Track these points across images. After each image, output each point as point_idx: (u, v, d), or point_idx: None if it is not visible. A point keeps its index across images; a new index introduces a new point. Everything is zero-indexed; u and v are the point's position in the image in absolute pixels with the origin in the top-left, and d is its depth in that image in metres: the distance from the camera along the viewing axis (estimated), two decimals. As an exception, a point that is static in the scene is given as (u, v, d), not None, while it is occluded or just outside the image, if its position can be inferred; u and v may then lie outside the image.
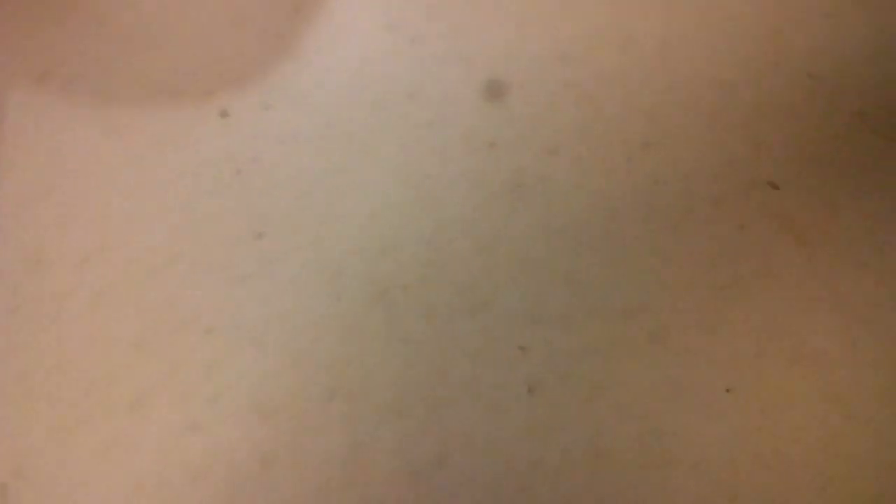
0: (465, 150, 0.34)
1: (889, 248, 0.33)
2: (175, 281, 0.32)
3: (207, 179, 0.34)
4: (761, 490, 0.30)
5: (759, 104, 0.34)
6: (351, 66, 0.35)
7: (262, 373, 0.31)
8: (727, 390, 0.31)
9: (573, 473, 0.30)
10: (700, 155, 0.34)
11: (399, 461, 0.31)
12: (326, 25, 0.36)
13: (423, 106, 0.34)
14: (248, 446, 0.31)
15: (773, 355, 0.31)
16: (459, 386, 0.31)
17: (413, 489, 0.30)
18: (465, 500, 0.30)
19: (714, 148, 0.34)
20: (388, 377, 0.31)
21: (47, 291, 0.33)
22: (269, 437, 0.31)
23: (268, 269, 0.32)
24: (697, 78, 0.35)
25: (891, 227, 0.33)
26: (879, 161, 0.33)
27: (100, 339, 0.32)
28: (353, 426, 0.31)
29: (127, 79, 0.35)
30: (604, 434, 0.31)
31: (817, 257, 0.33)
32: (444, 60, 0.35)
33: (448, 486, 0.30)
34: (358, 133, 0.34)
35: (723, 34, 0.35)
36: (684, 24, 0.35)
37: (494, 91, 0.35)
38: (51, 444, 0.30)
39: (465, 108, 0.34)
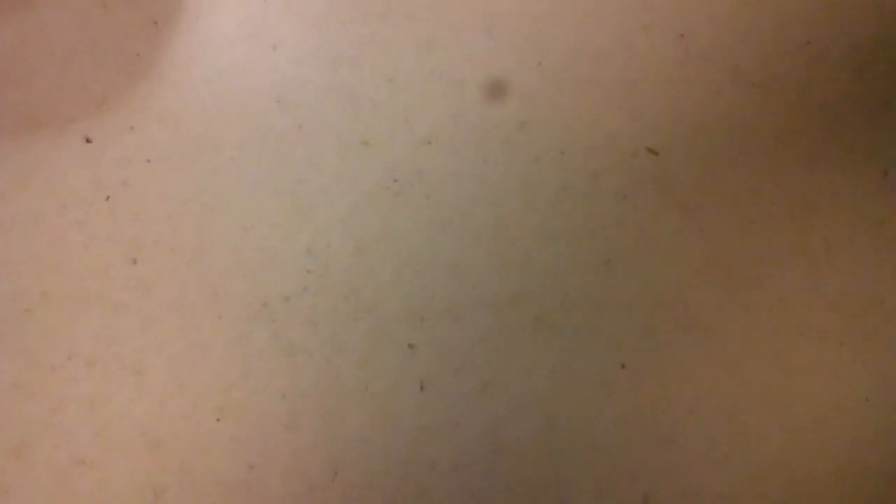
0: (337, 151, 0.35)
1: (775, 204, 0.33)
2: (50, 316, 0.33)
3: (75, 208, 0.34)
4: (661, 466, 0.31)
5: (632, 70, 0.35)
6: (214, 79, 0.36)
7: (147, 401, 0.32)
8: (622, 366, 0.32)
9: (471, 470, 0.31)
10: (577, 128, 0.34)
11: (294, 477, 0.31)
12: (186, 40, 0.37)
13: (290, 111, 0.35)
14: (139, 478, 0.32)
15: (665, 327, 0.32)
16: (350, 392, 0.32)
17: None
18: (362, 507, 0.31)
19: (590, 120, 0.35)
20: (277, 392, 0.32)
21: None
22: (160, 467, 0.32)
23: (144, 295, 0.33)
24: (567, 50, 0.35)
25: (776, 183, 0.34)
26: (758, 115, 0.34)
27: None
28: (245, 446, 0.32)
29: (-18, 115, 0.35)
30: (500, 426, 0.32)
31: (703, 222, 0.33)
32: (308, 63, 0.36)
33: (345, 496, 0.31)
34: (226, 145, 0.35)
35: (589, 4, 0.36)
36: (548, -2, 0.36)
37: (361, 88, 0.35)
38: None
39: (334, 108, 0.35)
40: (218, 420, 0.32)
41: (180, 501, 0.32)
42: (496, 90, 0.36)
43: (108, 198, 0.35)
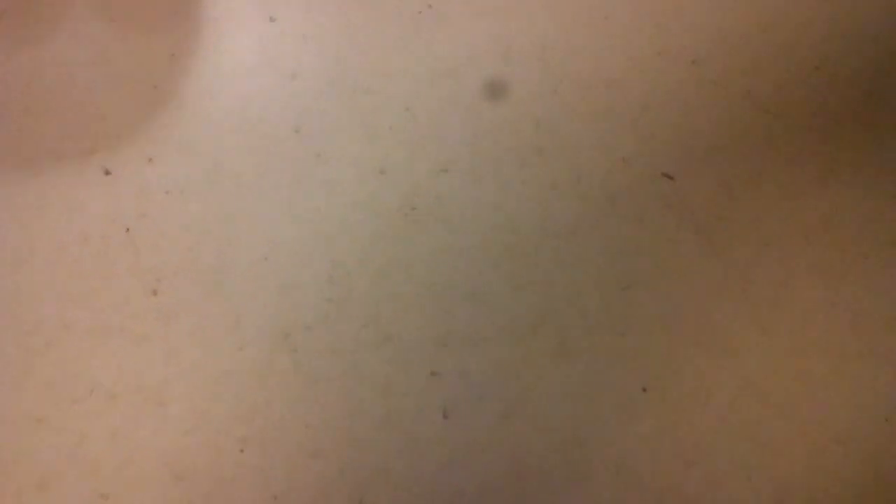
0: (354, 179, 0.35)
1: (789, 225, 0.34)
2: (71, 350, 0.33)
3: (95, 241, 0.35)
4: (686, 486, 0.32)
5: (647, 97, 0.36)
6: (233, 108, 0.37)
7: (170, 433, 0.33)
8: (643, 389, 0.33)
9: (498, 497, 0.32)
10: (593, 154, 0.35)
11: (319, 505, 0.32)
12: (204, 70, 0.38)
13: (308, 139, 0.36)
14: (164, 510, 0.32)
15: (685, 348, 0.33)
16: (374, 421, 0.33)
17: (336, 531, 0.31)
18: (389, 535, 0.31)
19: (607, 146, 0.35)
20: (300, 421, 0.33)
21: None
22: (184, 499, 0.32)
23: (165, 326, 0.34)
24: (582, 79, 0.36)
25: (789, 204, 0.35)
26: (770, 138, 0.35)
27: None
28: (269, 476, 0.32)
29: (4, 148, 0.36)
30: (523, 451, 0.32)
31: (719, 243, 0.34)
32: (325, 92, 0.37)
33: (371, 523, 0.32)
34: (245, 174, 0.35)
35: (603, 33, 0.37)
36: (563, 27, 0.37)
37: (379, 117, 0.36)
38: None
39: (352, 136, 0.36)
40: (241, 451, 0.33)
41: (206, 532, 0.32)
42: (513, 117, 0.37)
43: (127, 229, 0.36)
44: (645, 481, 0.33)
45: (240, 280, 0.35)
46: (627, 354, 0.34)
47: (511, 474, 0.33)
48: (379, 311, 0.35)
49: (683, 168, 0.36)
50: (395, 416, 0.34)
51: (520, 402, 0.34)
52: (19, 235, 0.36)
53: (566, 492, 0.33)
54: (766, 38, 0.37)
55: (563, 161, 0.36)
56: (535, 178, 0.36)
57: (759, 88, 0.37)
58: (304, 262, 0.35)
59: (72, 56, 0.37)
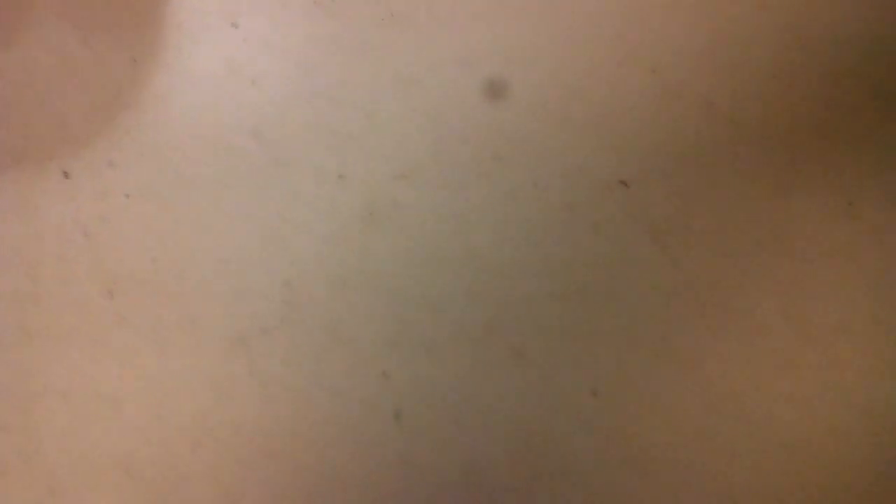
0: (314, 184, 0.36)
1: (745, 234, 0.35)
2: (27, 351, 0.34)
3: (53, 244, 0.36)
4: (634, 493, 0.32)
5: (606, 105, 0.37)
6: (193, 114, 0.38)
7: (123, 432, 0.33)
8: (593, 394, 0.33)
9: (447, 498, 0.32)
10: (551, 162, 0.36)
11: (269, 507, 0.32)
12: (165, 74, 0.38)
13: (268, 145, 0.37)
14: (114, 510, 0.32)
15: (638, 355, 0.34)
16: (326, 422, 0.33)
17: (285, 533, 0.32)
18: (338, 538, 0.32)
19: (565, 153, 0.36)
20: (254, 422, 0.33)
21: None
22: (136, 497, 0.33)
23: (121, 329, 0.34)
24: (541, 85, 0.37)
25: (745, 213, 0.35)
26: (728, 147, 0.36)
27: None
28: (221, 476, 0.33)
29: (-38, 150, 0.37)
30: (474, 453, 0.33)
31: (676, 252, 0.35)
32: (286, 99, 0.38)
33: (321, 526, 0.32)
34: (204, 179, 0.36)
35: (562, 41, 0.38)
36: (523, 37, 0.38)
37: (340, 123, 0.37)
38: None
39: (311, 143, 0.37)
40: (193, 451, 0.34)
41: (156, 533, 0.33)
42: (472, 125, 0.38)
43: (85, 233, 0.36)
44: (592, 486, 0.33)
45: (197, 283, 0.36)
46: (579, 360, 0.35)
47: (461, 476, 0.33)
48: (335, 316, 0.36)
49: (641, 176, 0.37)
50: (348, 418, 0.34)
51: (471, 406, 0.34)
52: (-23, 236, 0.36)
53: (514, 495, 0.33)
54: (725, 47, 0.38)
55: (520, 169, 0.37)
56: (493, 186, 0.37)
57: (718, 98, 0.38)
58: (263, 265, 0.36)
59: (33, 60, 0.38)
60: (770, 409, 0.34)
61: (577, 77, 0.38)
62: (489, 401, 0.34)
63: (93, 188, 0.37)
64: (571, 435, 0.34)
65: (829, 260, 0.36)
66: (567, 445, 0.34)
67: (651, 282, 0.36)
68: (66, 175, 0.37)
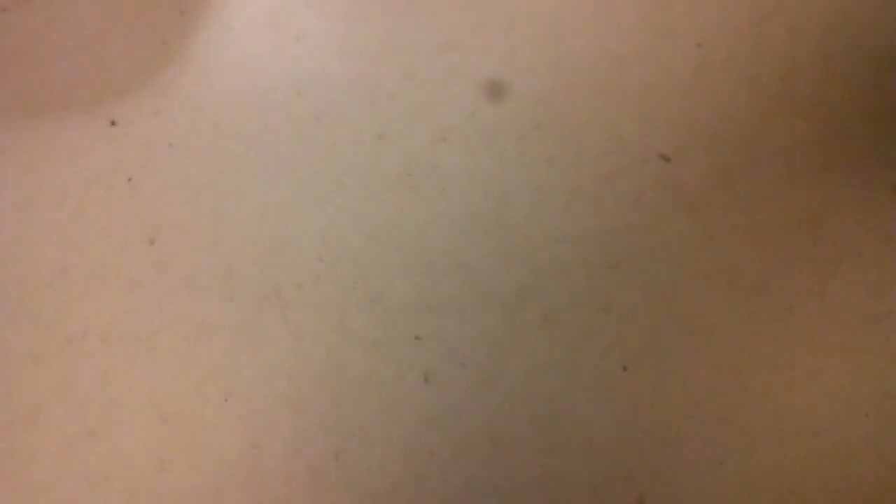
0: (353, 143, 0.36)
1: (784, 214, 0.34)
2: (68, 292, 0.34)
3: (98, 189, 0.36)
4: (657, 468, 0.32)
5: (649, 77, 0.36)
6: (237, 66, 0.37)
7: (157, 377, 0.34)
8: (624, 368, 0.33)
9: (469, 462, 0.32)
10: (591, 132, 0.36)
11: (296, 458, 0.33)
12: (212, 27, 0.38)
13: (310, 101, 0.37)
14: (146, 451, 0.33)
15: (669, 330, 0.33)
16: (356, 379, 0.33)
17: (310, 485, 0.32)
18: (361, 493, 0.32)
19: (605, 124, 0.36)
20: (284, 375, 0.33)
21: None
22: (167, 441, 0.33)
23: (160, 275, 0.34)
24: (586, 54, 0.36)
25: (786, 193, 0.35)
26: (771, 125, 0.35)
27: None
28: (250, 425, 0.33)
29: (11, 94, 0.37)
30: (499, 420, 0.33)
31: (712, 228, 0.34)
32: (329, 56, 0.37)
33: (345, 480, 0.32)
34: (246, 132, 0.36)
35: (611, 8, 0.37)
36: (569, 3, 0.37)
37: (381, 83, 0.37)
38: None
39: (353, 101, 0.36)
40: (226, 400, 0.34)
41: (185, 476, 0.33)
42: (514, 91, 0.37)
43: (129, 179, 0.36)
44: (616, 459, 0.33)
45: (235, 234, 0.36)
46: (610, 332, 0.34)
47: (485, 442, 0.33)
48: (368, 274, 0.35)
49: (681, 151, 0.36)
50: (377, 377, 0.34)
51: (499, 372, 0.34)
52: (24, 180, 0.37)
53: (537, 463, 0.33)
54: (774, 25, 0.37)
55: (560, 137, 0.36)
56: (531, 153, 0.36)
57: (763, 75, 0.37)
58: (299, 221, 0.36)
59: (83, 8, 0.38)
60: (796, 391, 0.34)
61: (622, 47, 0.37)
62: (518, 368, 0.34)
63: (138, 136, 0.37)
64: (599, 408, 0.33)
65: (866, 244, 0.35)
66: (593, 418, 0.33)
67: (685, 257, 0.35)
68: (112, 123, 0.37)
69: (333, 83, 0.37)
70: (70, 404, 0.34)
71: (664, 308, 0.35)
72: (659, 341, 0.34)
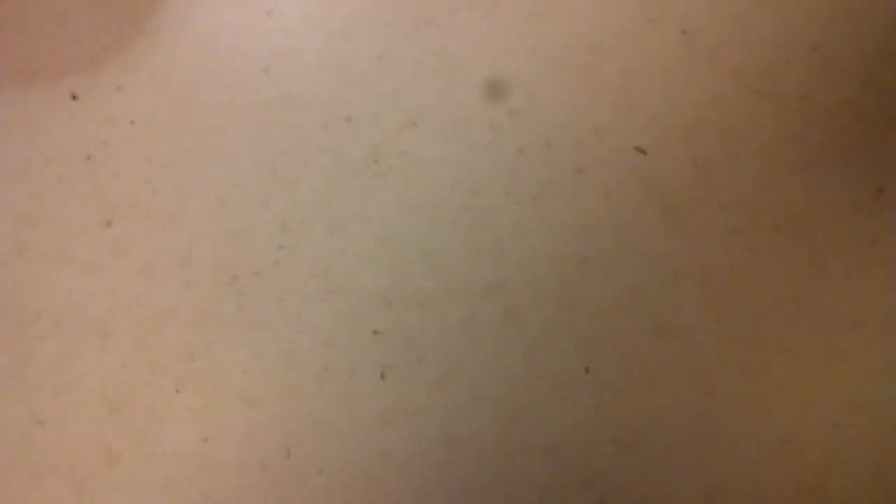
0: (320, 125, 0.34)
1: (762, 215, 0.32)
2: (21, 272, 0.33)
3: (57, 166, 0.34)
4: (618, 474, 0.30)
5: (630, 65, 0.34)
6: (205, 42, 0.35)
7: (110, 364, 0.32)
8: (586, 370, 0.31)
9: (424, 462, 0.31)
10: (566, 121, 0.33)
11: (247, 453, 0.31)
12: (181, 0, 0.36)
13: (278, 79, 0.34)
14: (96, 440, 0.31)
15: (635, 331, 0.31)
16: (311, 373, 0.32)
17: (261, 480, 0.30)
18: (311, 490, 0.30)
19: (581, 113, 0.33)
20: (239, 366, 0.32)
21: None
22: (117, 431, 0.31)
23: (116, 258, 0.33)
24: (565, 39, 0.34)
25: (766, 192, 0.32)
26: (754, 120, 0.33)
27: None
28: (202, 418, 0.31)
29: (-30, 64, 0.35)
30: (457, 419, 0.31)
31: (685, 225, 0.32)
32: (301, 33, 0.35)
33: (297, 476, 0.30)
34: (211, 111, 0.34)
35: (591, -9, 0.34)
36: (548, -17, 0.34)
37: (352, 63, 0.34)
38: None
39: (322, 81, 0.34)
40: (177, 391, 0.32)
41: (134, 467, 0.32)
42: (488, 75, 0.35)
43: (88, 157, 0.34)
44: (576, 463, 0.31)
45: (194, 218, 0.34)
46: (574, 331, 0.32)
47: (440, 442, 0.32)
48: (329, 263, 0.33)
49: (658, 143, 0.33)
50: (333, 371, 0.32)
51: (458, 369, 0.32)
52: (-20, 154, 0.35)
53: (495, 465, 0.31)
54: (762, 14, 0.34)
55: (533, 125, 0.34)
56: (503, 141, 0.34)
57: (749, 66, 0.34)
58: (261, 205, 0.34)
59: (47, -25, 0.36)
60: (767, 399, 0.32)
61: (603, 32, 0.35)
62: (477, 366, 0.32)
63: (99, 112, 0.35)
64: (559, 409, 0.31)
65: (849, 248, 0.32)
66: (554, 419, 0.31)
67: (656, 255, 0.33)
68: (73, 97, 0.35)
69: (303, 62, 0.35)
70: (19, 389, 0.32)
71: (631, 308, 0.32)
72: (624, 342, 0.32)
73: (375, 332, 0.33)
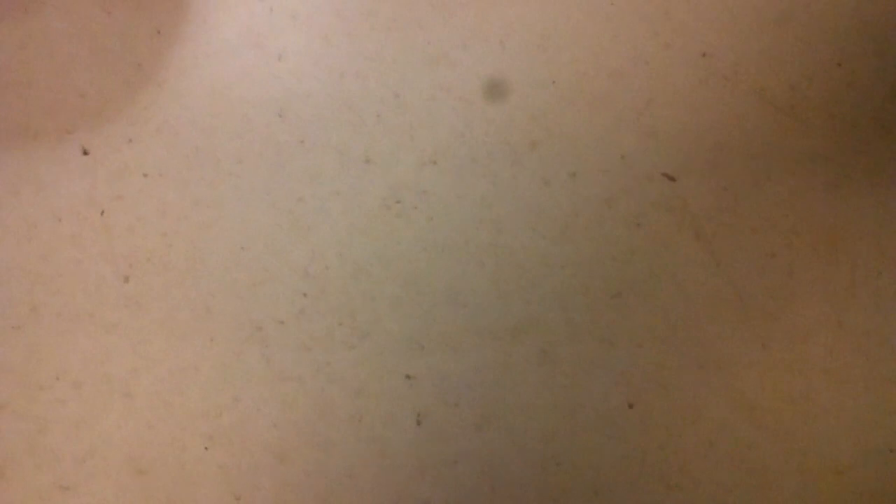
0: (338, 168, 0.32)
1: (797, 235, 0.30)
2: (38, 334, 0.31)
3: (69, 223, 0.32)
4: (668, 510, 0.28)
5: (651, 91, 0.32)
6: (216, 89, 0.33)
7: (134, 425, 0.30)
8: (630, 406, 0.29)
9: (467, 509, 0.29)
10: (591, 150, 0.32)
11: (281, 509, 0.29)
12: (189, 47, 0.34)
13: (292, 124, 0.33)
14: (122, 506, 0.29)
15: (676, 363, 0.30)
16: (343, 423, 0.30)
17: (297, 539, 0.29)
18: (351, 546, 0.28)
19: (605, 142, 0.32)
20: (268, 420, 0.30)
21: None
22: (144, 494, 0.29)
23: (135, 315, 0.31)
24: (583, 67, 0.33)
25: (798, 213, 0.31)
26: (781, 140, 0.31)
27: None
28: (232, 475, 0.29)
29: (-23, 123, 0.33)
30: (497, 465, 0.29)
31: (719, 251, 0.30)
32: (312, 75, 0.33)
33: (334, 532, 0.29)
34: (225, 160, 0.32)
35: (607, 20, 0.33)
36: (564, 14, 0.33)
37: (366, 103, 0.33)
38: None
39: (337, 123, 0.33)
40: (206, 448, 0.30)
41: (164, 532, 0.29)
42: (507, 108, 0.33)
43: (102, 212, 0.33)
44: (624, 503, 0.29)
45: (213, 269, 0.32)
46: (614, 366, 0.31)
47: (483, 489, 0.30)
48: (355, 309, 0.32)
49: (686, 169, 0.32)
50: (366, 420, 0.31)
51: (496, 412, 0.30)
52: (-9, 214, 0.33)
53: (540, 510, 0.29)
54: (783, 31, 0.33)
55: (557, 156, 0.32)
56: (527, 174, 0.32)
57: (772, 86, 0.33)
58: (281, 253, 0.32)
59: (55, 30, 0.34)
60: (815, 425, 0.30)
61: (619, 59, 0.33)
62: (516, 408, 0.30)
63: (111, 166, 0.33)
64: (604, 449, 0.29)
65: (884, 265, 0.31)
66: (598, 460, 0.29)
67: (692, 283, 0.31)
68: (84, 152, 0.34)
69: (317, 104, 0.34)
70: (41, 456, 0.30)
71: (671, 340, 0.31)
72: (666, 376, 0.30)
73: (408, 377, 0.31)
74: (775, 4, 0.34)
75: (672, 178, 0.33)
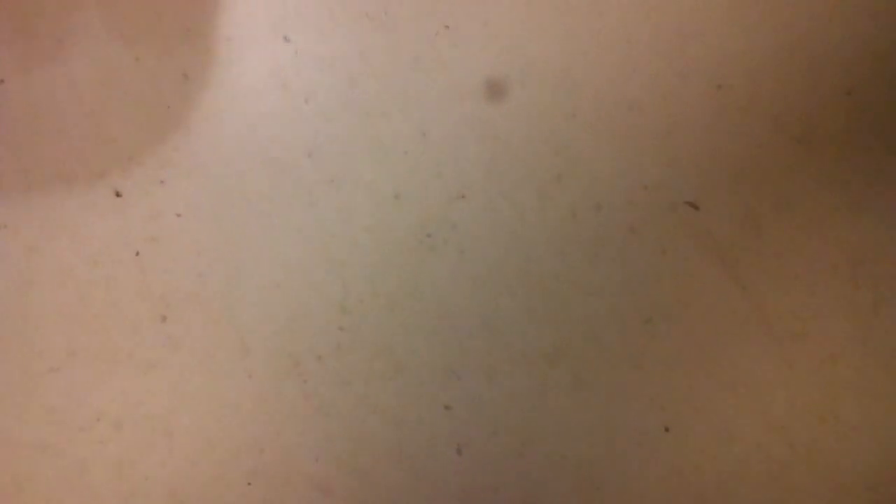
0: (369, 204, 0.32)
1: (819, 258, 0.31)
2: (77, 376, 0.31)
3: (104, 265, 0.32)
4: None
5: (670, 122, 0.33)
6: (245, 130, 0.34)
7: (176, 463, 0.30)
8: (666, 429, 0.29)
9: (510, 535, 0.29)
10: (614, 181, 0.32)
11: (326, 542, 0.29)
12: (216, 92, 0.34)
13: (321, 163, 0.33)
14: (167, 544, 0.29)
15: (708, 386, 0.30)
16: (385, 455, 0.30)
17: (343, 571, 0.28)
18: (398, 576, 0.28)
19: (628, 172, 0.32)
20: (309, 453, 0.30)
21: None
22: (189, 532, 0.29)
23: (173, 354, 0.31)
24: (603, 100, 0.33)
25: (819, 236, 0.31)
26: (799, 166, 0.32)
27: (1, 445, 0.30)
28: (276, 510, 0.29)
29: (11, 168, 0.33)
30: (539, 490, 0.29)
31: (744, 276, 0.31)
32: (339, 116, 0.34)
33: (380, 563, 0.28)
34: (257, 199, 0.32)
35: (624, 54, 0.33)
36: (583, 49, 0.33)
37: (394, 141, 0.33)
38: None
39: (366, 161, 0.33)
40: (249, 484, 0.30)
41: (210, 569, 0.29)
42: (531, 142, 0.33)
43: (137, 253, 0.33)
44: (665, 525, 0.29)
45: (249, 306, 0.32)
46: (647, 391, 0.31)
47: (525, 515, 0.30)
48: (392, 341, 0.32)
49: (708, 197, 0.32)
50: (407, 451, 0.31)
51: (535, 438, 0.30)
52: (26, 258, 0.33)
53: (583, 535, 0.29)
54: (795, 62, 0.33)
55: (582, 188, 0.33)
56: (553, 206, 0.33)
57: (787, 114, 0.33)
58: (316, 289, 0.32)
59: (82, 76, 0.34)
60: (845, 443, 0.30)
61: (637, 91, 0.34)
62: (554, 433, 0.30)
63: (144, 208, 0.33)
64: (642, 471, 0.30)
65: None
66: (638, 484, 0.29)
67: (719, 307, 0.31)
68: (117, 194, 0.34)
69: (345, 143, 0.34)
70: (83, 497, 0.30)
71: (702, 362, 0.31)
72: (700, 398, 0.30)
73: (447, 408, 0.31)
74: (785, 37, 0.35)
75: (695, 207, 0.33)
